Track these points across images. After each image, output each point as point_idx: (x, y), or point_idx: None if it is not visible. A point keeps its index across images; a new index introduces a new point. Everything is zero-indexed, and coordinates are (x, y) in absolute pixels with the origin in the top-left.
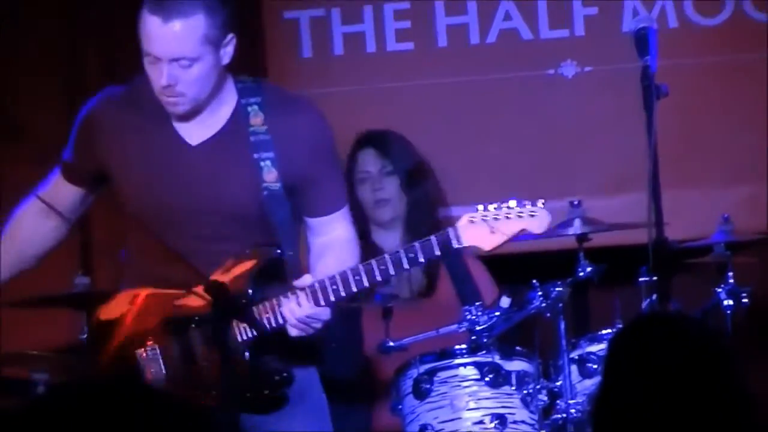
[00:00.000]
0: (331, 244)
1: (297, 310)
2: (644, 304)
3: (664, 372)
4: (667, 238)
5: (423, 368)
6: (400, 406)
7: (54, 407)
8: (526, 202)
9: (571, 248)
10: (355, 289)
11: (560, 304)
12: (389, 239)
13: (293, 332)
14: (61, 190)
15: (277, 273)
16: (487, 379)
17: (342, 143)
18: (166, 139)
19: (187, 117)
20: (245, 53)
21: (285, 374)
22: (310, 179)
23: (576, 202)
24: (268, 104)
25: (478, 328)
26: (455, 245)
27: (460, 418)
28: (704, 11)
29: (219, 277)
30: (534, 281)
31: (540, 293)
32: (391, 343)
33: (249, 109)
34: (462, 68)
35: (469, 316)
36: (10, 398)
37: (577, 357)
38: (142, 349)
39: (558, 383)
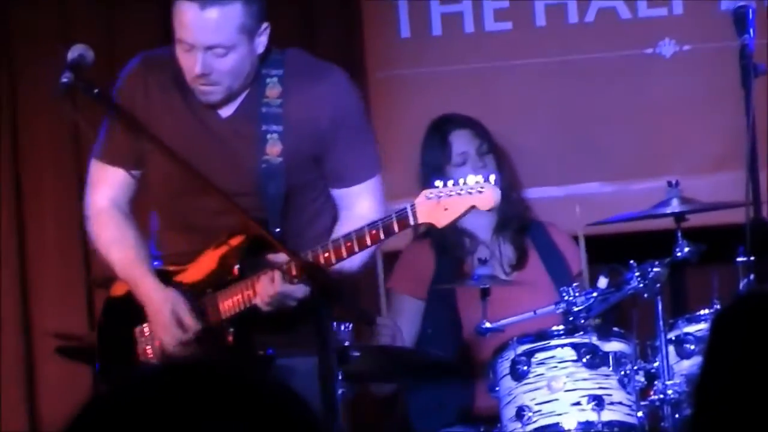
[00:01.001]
0: (350, 219)
1: (269, 288)
2: (742, 285)
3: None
4: (765, 218)
5: (520, 350)
6: (497, 388)
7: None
8: (478, 178)
9: (669, 228)
10: (332, 263)
11: (658, 285)
12: (478, 218)
13: (264, 308)
14: (118, 180)
15: (269, 248)
16: (584, 360)
17: None
18: (204, 110)
19: (218, 105)
20: (343, 34)
21: (268, 352)
22: (330, 149)
23: (674, 182)
24: (290, 76)
25: (575, 309)
26: (411, 222)
27: (557, 399)
28: None
29: (211, 253)
30: (631, 261)
31: (637, 273)
32: (488, 325)
33: (268, 80)
34: (560, 48)
35: (566, 297)
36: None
37: (674, 338)
38: (141, 326)
39: (655, 364)
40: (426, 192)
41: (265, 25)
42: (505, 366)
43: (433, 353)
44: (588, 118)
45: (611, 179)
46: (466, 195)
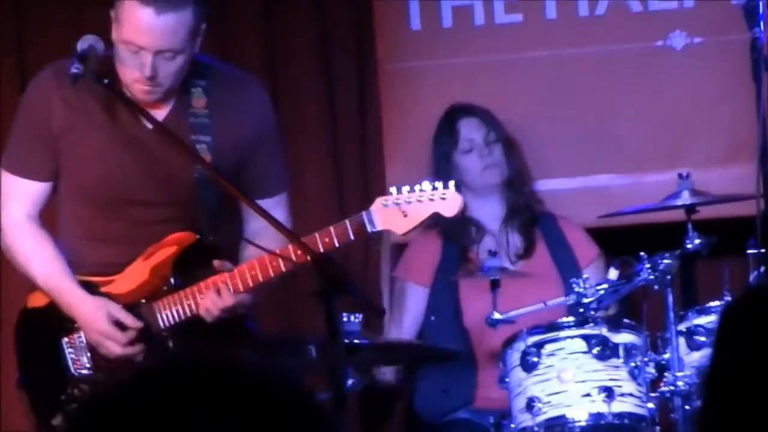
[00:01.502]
0: (266, 228)
1: (218, 301)
2: (752, 277)
3: None
4: None
5: (530, 341)
6: (507, 379)
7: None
8: (438, 185)
9: (680, 220)
10: (272, 274)
11: (668, 277)
12: (486, 207)
13: (210, 319)
14: (31, 193)
15: (203, 257)
16: (594, 351)
17: None
18: (129, 120)
19: (154, 105)
20: (354, 25)
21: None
22: (250, 161)
23: (685, 174)
24: (213, 86)
25: (585, 300)
26: (369, 230)
27: (567, 390)
28: None
29: (141, 264)
30: (642, 253)
31: (648, 265)
32: (498, 316)
33: (193, 90)
34: (571, 40)
35: (576, 289)
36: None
37: (684, 329)
38: (68, 337)
39: (665, 356)
40: (381, 199)
41: (204, 26)
42: (515, 357)
43: (439, 347)
44: (599, 111)
45: (622, 171)
46: (427, 202)
